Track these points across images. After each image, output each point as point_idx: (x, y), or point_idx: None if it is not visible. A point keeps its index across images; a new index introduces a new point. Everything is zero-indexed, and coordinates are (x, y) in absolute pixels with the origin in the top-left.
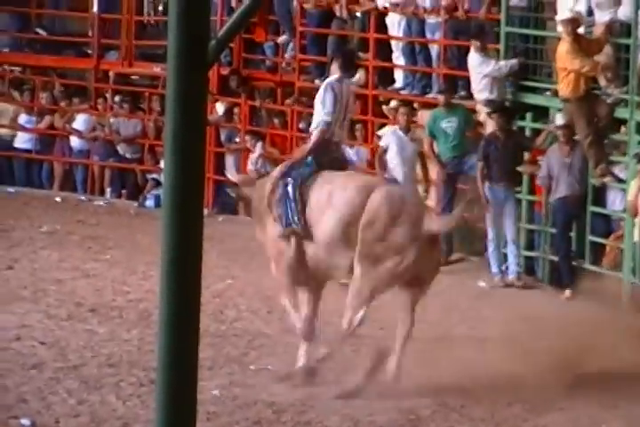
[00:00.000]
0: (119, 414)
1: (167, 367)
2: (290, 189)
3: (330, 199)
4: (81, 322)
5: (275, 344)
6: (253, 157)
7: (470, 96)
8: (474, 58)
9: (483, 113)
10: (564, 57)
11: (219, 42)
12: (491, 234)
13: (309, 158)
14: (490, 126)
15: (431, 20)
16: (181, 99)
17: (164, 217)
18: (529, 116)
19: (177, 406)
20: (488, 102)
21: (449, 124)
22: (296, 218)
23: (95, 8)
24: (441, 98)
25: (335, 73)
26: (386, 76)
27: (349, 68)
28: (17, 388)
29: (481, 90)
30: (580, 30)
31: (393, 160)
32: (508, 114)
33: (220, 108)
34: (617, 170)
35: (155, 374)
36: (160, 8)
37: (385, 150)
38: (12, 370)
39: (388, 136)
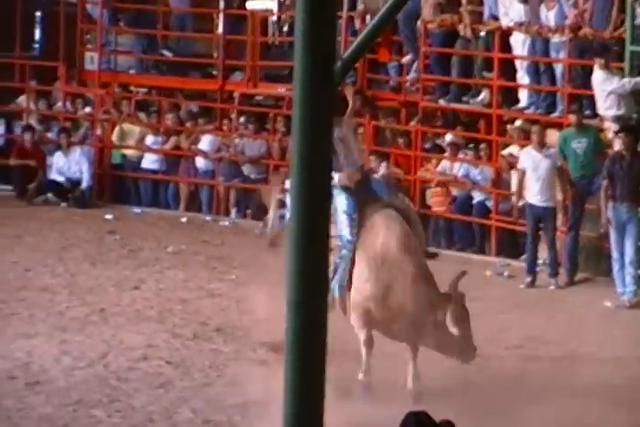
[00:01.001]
0: None
1: (293, 387)
2: None
3: None
4: (206, 341)
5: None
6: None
7: (595, 115)
8: (598, 75)
9: (610, 131)
10: None
11: (344, 63)
12: (615, 254)
13: None
14: (617, 145)
15: (555, 39)
16: (308, 119)
17: (290, 237)
18: None
19: (303, 423)
20: (616, 119)
21: (579, 145)
22: None
23: (220, 29)
24: (572, 118)
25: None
26: (510, 96)
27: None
28: (144, 407)
29: (607, 107)
30: None
31: (529, 180)
32: (636, 133)
33: None
34: None
35: None
36: (285, 29)
37: (523, 173)
38: (139, 390)
39: (523, 157)
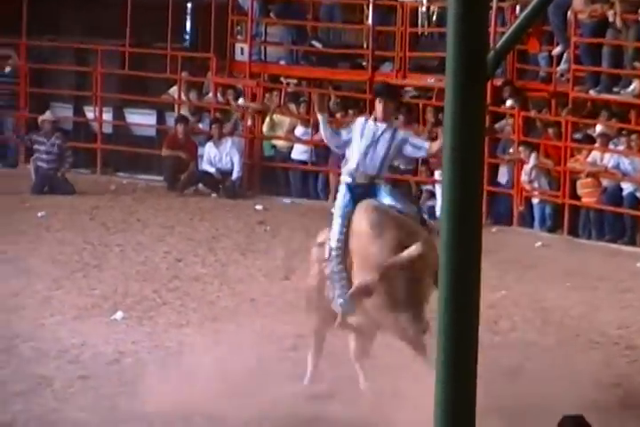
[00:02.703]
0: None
1: (446, 375)
2: None
3: None
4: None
5: (549, 355)
6: (527, 167)
7: None
8: None
9: None
10: None
11: (497, 54)
12: None
13: None
14: None
15: None
16: (460, 111)
17: (442, 228)
18: None
19: (456, 417)
20: None
21: None
22: None
23: (370, 20)
24: None
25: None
26: None
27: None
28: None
29: None
30: None
31: None
32: None
33: None
34: None
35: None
36: (434, 19)
37: None
38: (291, 378)
39: None
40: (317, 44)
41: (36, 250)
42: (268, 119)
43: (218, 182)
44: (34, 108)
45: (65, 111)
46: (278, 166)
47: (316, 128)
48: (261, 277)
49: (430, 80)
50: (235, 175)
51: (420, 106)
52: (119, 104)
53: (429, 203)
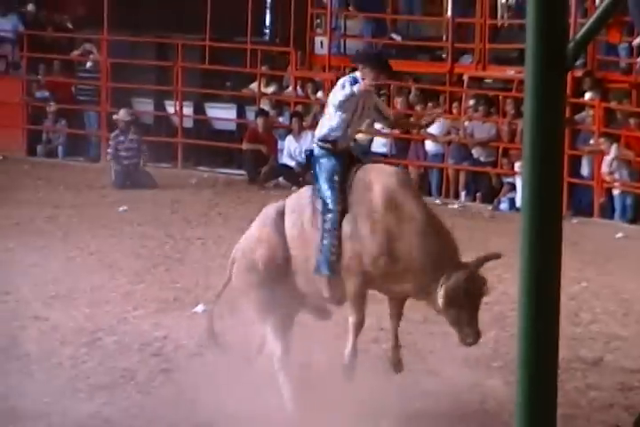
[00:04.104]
0: (479, 415)
1: (527, 369)
2: None
3: None
4: (436, 324)
5: (631, 347)
6: (608, 159)
7: None
8: None
9: None
10: None
11: (577, 44)
12: None
13: None
14: None
15: None
16: (540, 103)
17: (523, 220)
18: None
19: (537, 407)
20: None
21: None
22: None
23: (449, 12)
24: None
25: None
26: None
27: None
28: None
29: None
30: None
31: None
32: None
33: None
34: None
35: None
36: (513, 11)
37: None
38: (372, 371)
39: None
40: (397, 37)
41: (118, 244)
42: None
43: (298, 176)
44: (115, 102)
45: (146, 106)
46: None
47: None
48: None
49: (510, 72)
50: None
51: (500, 98)
52: (199, 98)
53: (510, 195)
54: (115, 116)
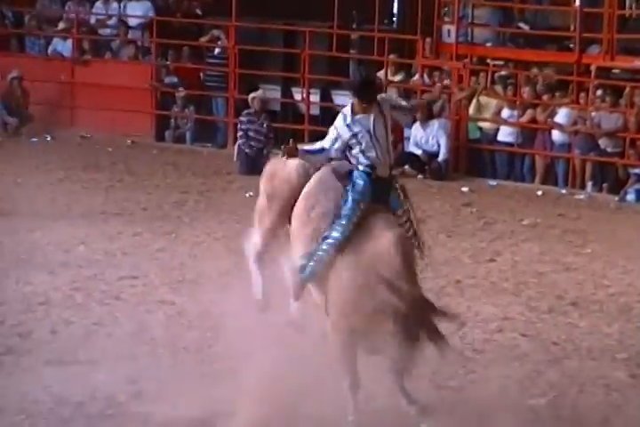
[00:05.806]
0: (601, 408)
1: None
2: None
3: None
4: (562, 315)
5: None
6: None
7: None
8: None
9: None
10: None
11: None
12: None
13: None
14: None
15: None
16: None
17: None
18: None
19: None
20: None
21: None
22: None
23: (577, 2)
24: None
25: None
26: None
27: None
28: (499, 380)
29: None
30: None
31: None
32: None
33: None
34: None
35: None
36: None
37: None
38: (495, 360)
39: None
40: (524, 26)
41: (244, 230)
42: (474, 101)
43: (424, 164)
44: (243, 89)
45: (273, 93)
46: (484, 148)
47: (522, 110)
48: (467, 259)
49: (638, 62)
50: (441, 157)
51: (628, 88)
52: (326, 86)
53: (637, 186)
54: (252, 95)
